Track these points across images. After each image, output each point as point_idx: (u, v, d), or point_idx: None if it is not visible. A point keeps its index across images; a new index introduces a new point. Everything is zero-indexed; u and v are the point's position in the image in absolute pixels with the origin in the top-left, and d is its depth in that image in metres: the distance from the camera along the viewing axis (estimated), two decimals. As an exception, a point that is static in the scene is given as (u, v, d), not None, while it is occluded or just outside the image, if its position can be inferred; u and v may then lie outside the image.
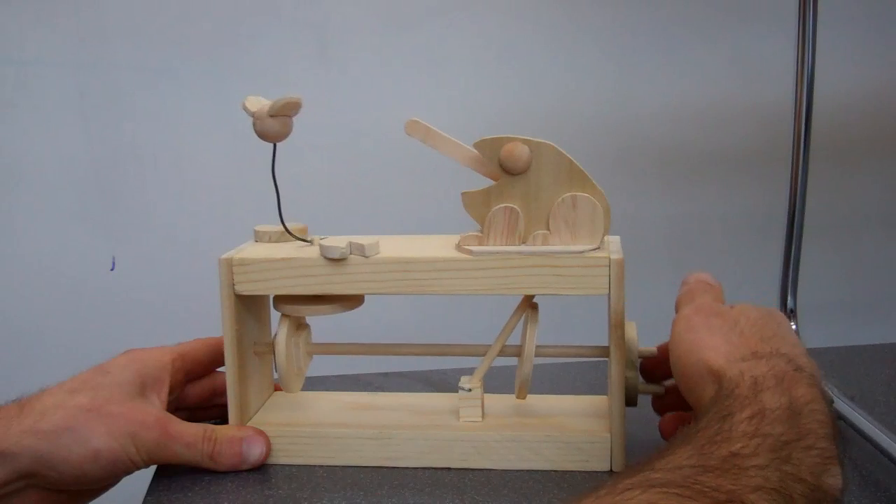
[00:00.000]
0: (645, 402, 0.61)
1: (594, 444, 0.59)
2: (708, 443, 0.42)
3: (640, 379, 0.61)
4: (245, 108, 0.57)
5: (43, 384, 0.58)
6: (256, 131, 0.57)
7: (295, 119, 0.57)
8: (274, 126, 0.56)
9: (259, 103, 0.57)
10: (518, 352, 0.62)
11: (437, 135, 0.59)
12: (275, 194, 0.58)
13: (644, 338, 0.60)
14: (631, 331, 0.60)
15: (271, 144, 0.57)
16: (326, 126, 1.04)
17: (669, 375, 0.60)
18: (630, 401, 0.59)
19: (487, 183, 0.59)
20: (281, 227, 0.63)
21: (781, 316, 0.55)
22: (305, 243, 0.62)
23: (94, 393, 0.57)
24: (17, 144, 1.03)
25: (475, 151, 0.59)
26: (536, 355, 0.61)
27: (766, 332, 0.52)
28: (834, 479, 0.42)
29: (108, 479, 0.57)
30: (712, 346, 0.51)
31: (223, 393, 0.61)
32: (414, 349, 0.63)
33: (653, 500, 0.37)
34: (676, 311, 0.56)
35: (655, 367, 0.61)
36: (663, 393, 0.61)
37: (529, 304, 0.61)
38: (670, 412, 0.59)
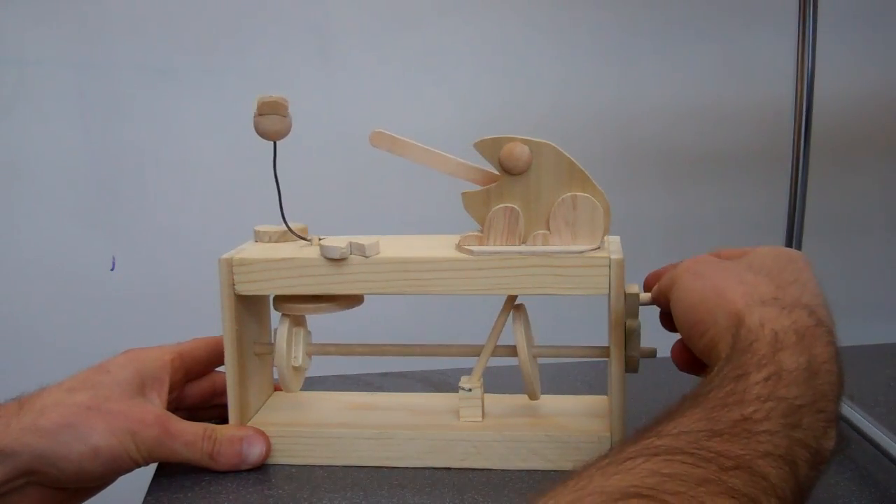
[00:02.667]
0: (645, 392, 0.61)
1: (594, 444, 0.59)
2: (719, 405, 0.40)
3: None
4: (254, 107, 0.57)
5: (43, 384, 0.58)
6: (255, 129, 0.57)
7: (295, 119, 0.57)
8: (266, 124, 0.56)
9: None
10: (514, 352, 0.62)
11: (405, 144, 0.58)
12: (275, 193, 0.58)
13: (644, 338, 0.60)
14: (632, 287, 0.59)
15: (271, 143, 0.57)
16: (326, 126, 1.04)
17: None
18: (631, 366, 0.58)
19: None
20: (281, 228, 0.63)
21: (800, 256, 0.52)
22: (306, 242, 0.62)
23: (94, 391, 0.57)
24: (17, 144, 1.03)
25: (453, 158, 0.59)
26: (537, 356, 0.61)
27: (784, 276, 0.49)
28: (829, 442, 0.41)
29: (108, 476, 0.57)
30: (725, 287, 0.47)
31: (223, 393, 0.61)
32: (414, 349, 0.63)
33: (656, 468, 0.36)
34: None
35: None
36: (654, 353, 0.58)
37: (512, 305, 0.61)
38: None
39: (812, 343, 0.43)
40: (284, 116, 0.56)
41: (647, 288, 0.59)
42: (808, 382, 0.41)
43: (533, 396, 0.62)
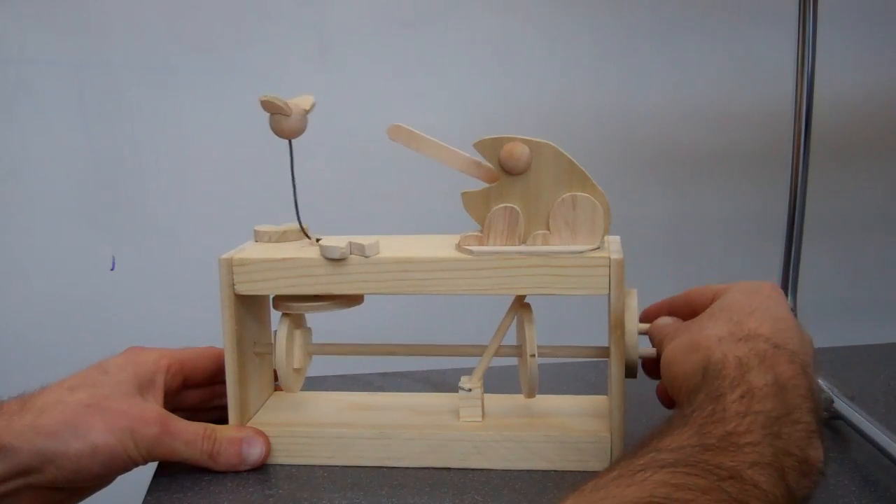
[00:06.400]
0: (645, 392, 0.61)
1: (594, 444, 0.59)
2: (705, 423, 0.44)
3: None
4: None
5: (43, 384, 0.58)
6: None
7: (295, 119, 0.57)
8: (272, 123, 0.57)
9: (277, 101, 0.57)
10: (517, 352, 0.62)
11: (421, 138, 0.58)
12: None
13: (644, 341, 0.60)
14: (632, 301, 0.59)
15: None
16: (326, 126, 1.04)
17: None
18: (630, 371, 0.59)
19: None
20: (281, 228, 0.63)
21: (764, 286, 0.55)
22: (307, 241, 0.62)
23: (94, 390, 0.57)
24: (17, 144, 1.03)
25: (464, 154, 0.59)
26: (536, 355, 0.61)
27: (743, 311, 0.52)
28: (817, 452, 0.44)
29: (106, 474, 0.57)
30: (690, 340, 0.52)
31: (222, 395, 0.61)
32: (414, 349, 0.63)
33: (665, 479, 0.39)
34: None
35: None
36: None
37: (521, 304, 0.61)
38: None
39: (774, 363, 0.48)
40: (287, 116, 0.56)
41: (647, 319, 0.62)
42: (778, 396, 0.45)
43: (531, 395, 0.62)
